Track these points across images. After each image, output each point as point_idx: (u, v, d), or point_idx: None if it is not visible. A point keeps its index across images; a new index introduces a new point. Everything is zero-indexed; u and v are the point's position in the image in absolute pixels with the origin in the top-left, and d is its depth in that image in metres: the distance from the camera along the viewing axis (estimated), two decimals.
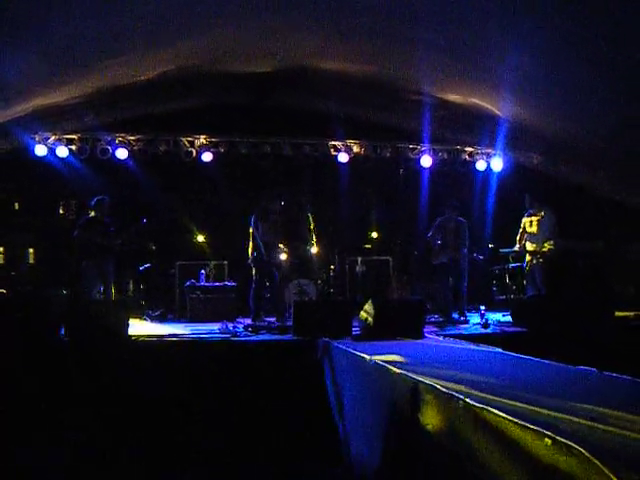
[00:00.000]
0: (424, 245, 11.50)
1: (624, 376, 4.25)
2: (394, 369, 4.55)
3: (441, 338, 7.82)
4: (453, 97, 11.07)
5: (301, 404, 6.85)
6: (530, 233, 10.72)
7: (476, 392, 3.52)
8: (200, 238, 13.66)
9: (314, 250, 11.65)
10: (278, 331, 8.59)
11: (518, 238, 10.96)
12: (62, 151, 12.13)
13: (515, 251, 11.09)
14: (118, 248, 10.25)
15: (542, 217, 10.57)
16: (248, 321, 9.91)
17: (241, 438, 6.65)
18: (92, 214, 10.35)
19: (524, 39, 7.94)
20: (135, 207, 12.95)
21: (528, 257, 10.75)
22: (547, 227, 10.48)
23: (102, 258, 10.04)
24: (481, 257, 10.73)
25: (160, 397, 6.74)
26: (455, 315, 10.33)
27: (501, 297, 12.00)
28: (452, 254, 10.57)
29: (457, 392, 3.47)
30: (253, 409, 6.86)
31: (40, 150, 12.01)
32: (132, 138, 12.49)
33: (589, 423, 2.83)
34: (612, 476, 2.06)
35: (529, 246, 10.72)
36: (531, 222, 10.73)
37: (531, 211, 10.77)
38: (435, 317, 10.46)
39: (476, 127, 12.35)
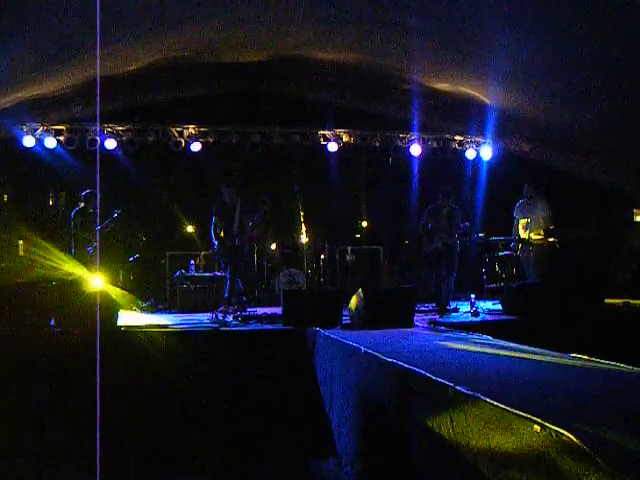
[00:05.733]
0: (415, 234, 11.46)
1: (613, 363, 4.27)
2: (384, 358, 4.56)
3: (432, 326, 7.83)
4: (442, 85, 11.05)
5: (292, 394, 6.85)
6: (523, 222, 10.71)
7: (466, 380, 3.52)
8: (190, 228, 13.63)
9: (304, 239, 11.61)
10: (268, 321, 8.59)
11: (515, 229, 10.92)
12: (50, 142, 12.08)
13: (507, 239, 11.07)
14: (106, 232, 10.44)
15: (536, 206, 10.57)
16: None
17: (231, 429, 6.66)
18: (82, 205, 10.38)
19: (519, 25, 7.88)
20: (124, 198, 12.91)
21: (519, 245, 10.76)
22: (541, 217, 10.48)
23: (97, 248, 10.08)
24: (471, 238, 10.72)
25: (150, 388, 6.74)
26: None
27: (491, 285, 12.00)
28: (445, 239, 10.48)
29: (447, 380, 3.47)
30: (243, 400, 6.86)
31: (28, 141, 11.94)
32: (121, 128, 12.44)
33: (578, 409, 2.84)
34: (600, 462, 2.06)
35: (522, 234, 10.71)
36: (524, 211, 10.73)
37: (525, 200, 10.78)
38: (426, 306, 10.45)
39: (465, 116, 12.34)
